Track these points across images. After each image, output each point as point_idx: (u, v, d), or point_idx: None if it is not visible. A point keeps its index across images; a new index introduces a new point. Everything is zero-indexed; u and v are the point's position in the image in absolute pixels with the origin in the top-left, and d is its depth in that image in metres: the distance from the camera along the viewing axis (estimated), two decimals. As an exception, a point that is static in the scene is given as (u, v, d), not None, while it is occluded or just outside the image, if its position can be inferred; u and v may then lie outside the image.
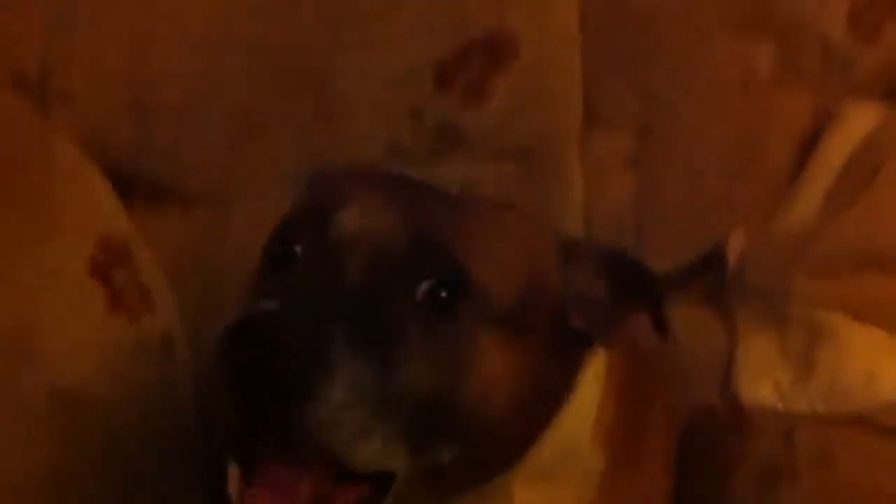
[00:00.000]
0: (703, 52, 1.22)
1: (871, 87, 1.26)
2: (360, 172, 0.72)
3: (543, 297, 0.67)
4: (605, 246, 0.70)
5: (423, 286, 0.62)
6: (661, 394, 0.90)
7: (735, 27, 1.20)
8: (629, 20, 1.19)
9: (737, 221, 1.22)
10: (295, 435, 0.56)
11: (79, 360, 0.90)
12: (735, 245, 1.17)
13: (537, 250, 0.68)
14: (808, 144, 1.25)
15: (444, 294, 0.62)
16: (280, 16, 1.07)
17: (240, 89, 1.10)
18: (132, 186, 1.09)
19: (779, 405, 1.02)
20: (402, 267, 0.62)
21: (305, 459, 0.59)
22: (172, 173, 1.11)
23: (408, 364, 0.60)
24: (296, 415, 0.55)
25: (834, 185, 1.15)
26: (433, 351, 0.61)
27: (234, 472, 0.62)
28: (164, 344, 1.01)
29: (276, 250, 0.66)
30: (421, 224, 0.64)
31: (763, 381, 1.04)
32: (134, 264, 1.02)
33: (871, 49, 1.24)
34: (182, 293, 1.10)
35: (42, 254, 0.94)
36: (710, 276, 1.15)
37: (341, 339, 0.56)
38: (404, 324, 0.61)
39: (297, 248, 0.65)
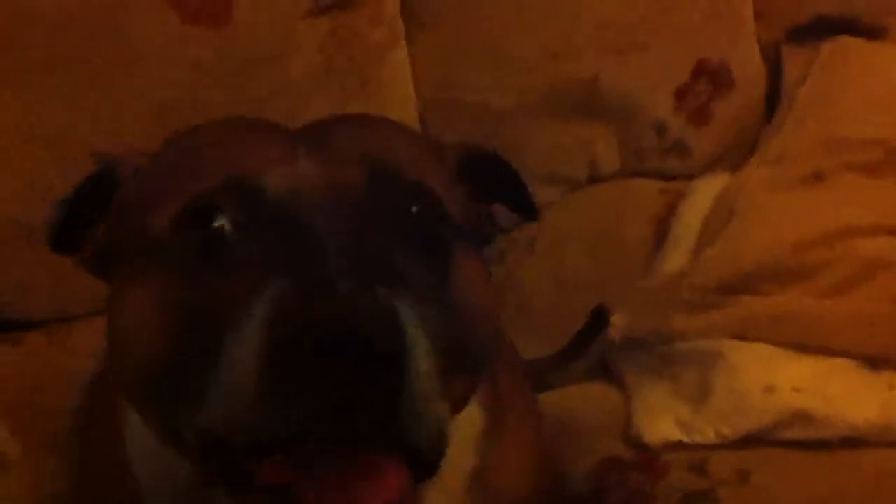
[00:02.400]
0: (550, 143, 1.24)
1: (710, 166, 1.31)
2: (229, 131, 0.60)
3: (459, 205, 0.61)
4: (458, 148, 0.65)
5: (409, 215, 0.55)
6: (511, 349, 0.86)
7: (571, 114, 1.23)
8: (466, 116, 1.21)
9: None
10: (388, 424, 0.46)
11: None
12: (617, 322, 1.12)
13: (436, 157, 0.63)
14: (662, 223, 1.26)
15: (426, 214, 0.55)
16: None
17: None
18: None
19: (684, 439, 0.94)
20: (374, 198, 0.54)
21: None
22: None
23: (458, 297, 0.54)
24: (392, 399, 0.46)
25: (695, 241, 1.16)
26: (443, 280, 0.54)
27: None
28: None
29: (191, 238, 0.52)
30: (365, 156, 0.55)
31: (663, 418, 0.97)
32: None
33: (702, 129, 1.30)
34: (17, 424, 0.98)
35: None
36: (594, 341, 1.10)
37: (404, 306, 0.47)
38: (414, 261, 0.53)
39: (223, 224, 0.52)
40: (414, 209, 0.54)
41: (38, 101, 0.98)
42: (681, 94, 1.27)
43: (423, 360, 0.47)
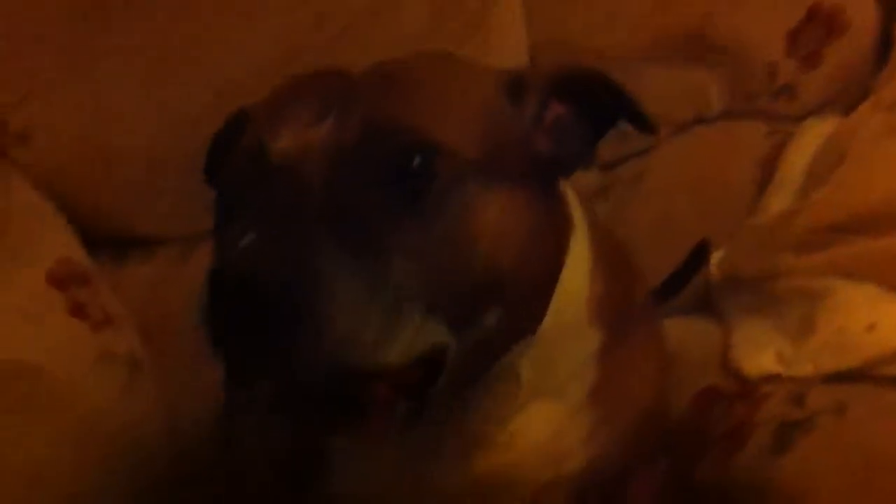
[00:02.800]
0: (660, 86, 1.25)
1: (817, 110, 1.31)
2: (278, 91, 0.67)
3: (505, 137, 0.64)
4: (554, 69, 0.67)
5: (391, 166, 0.59)
6: (641, 275, 0.86)
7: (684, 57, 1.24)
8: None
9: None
10: (309, 367, 0.53)
11: (36, 348, 0.84)
12: (715, 260, 1.15)
13: (484, 93, 0.65)
14: (768, 165, 1.27)
15: (415, 164, 0.59)
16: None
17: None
18: (88, 233, 1.06)
19: (784, 372, 0.97)
20: (362, 156, 0.59)
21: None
22: (132, 217, 1.10)
23: (402, 247, 0.57)
24: (309, 346, 0.53)
25: (802, 182, 1.16)
26: (424, 225, 0.58)
27: None
28: (129, 361, 0.96)
29: (226, 200, 0.63)
30: (365, 111, 0.61)
31: (764, 352, 0.99)
32: (94, 288, 0.98)
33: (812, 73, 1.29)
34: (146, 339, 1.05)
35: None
36: (695, 277, 1.12)
37: (328, 250, 0.54)
38: (386, 208, 0.58)
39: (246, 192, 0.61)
40: (396, 162, 0.59)
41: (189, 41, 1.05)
42: (792, 37, 1.26)
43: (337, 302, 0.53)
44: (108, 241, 1.09)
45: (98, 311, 0.96)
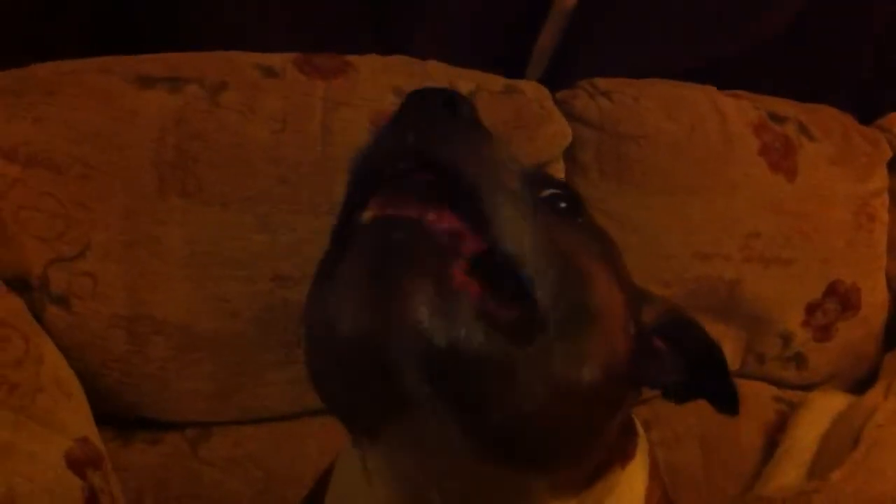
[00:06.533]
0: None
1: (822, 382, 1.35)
2: None
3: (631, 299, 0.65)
4: (667, 302, 0.69)
5: (546, 191, 0.61)
6: None
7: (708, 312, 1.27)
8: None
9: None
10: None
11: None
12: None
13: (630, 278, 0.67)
14: (774, 429, 1.30)
15: (563, 205, 0.62)
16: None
17: (244, 326, 1.08)
18: (102, 413, 1.03)
19: None
20: (524, 174, 0.59)
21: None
22: (155, 397, 1.06)
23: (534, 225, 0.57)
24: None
25: (813, 457, 1.18)
26: (559, 237, 0.58)
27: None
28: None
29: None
30: None
31: None
32: (105, 471, 0.94)
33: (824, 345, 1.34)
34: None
35: (23, 439, 0.86)
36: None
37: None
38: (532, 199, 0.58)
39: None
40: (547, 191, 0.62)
41: (240, 228, 1.05)
42: (811, 309, 1.31)
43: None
44: (114, 418, 1.05)
45: (108, 501, 0.91)
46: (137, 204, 1.02)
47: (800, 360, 1.34)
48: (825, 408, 1.25)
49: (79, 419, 0.96)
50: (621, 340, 0.61)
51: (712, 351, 0.67)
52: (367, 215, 0.55)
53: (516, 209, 0.55)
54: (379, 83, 1.11)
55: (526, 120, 1.19)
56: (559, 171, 1.21)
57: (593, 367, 0.58)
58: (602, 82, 1.24)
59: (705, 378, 0.67)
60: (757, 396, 1.33)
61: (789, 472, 1.19)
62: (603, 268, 0.61)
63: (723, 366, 0.67)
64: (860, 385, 1.35)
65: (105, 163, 1.01)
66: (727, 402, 0.67)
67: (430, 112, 0.57)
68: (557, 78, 1.28)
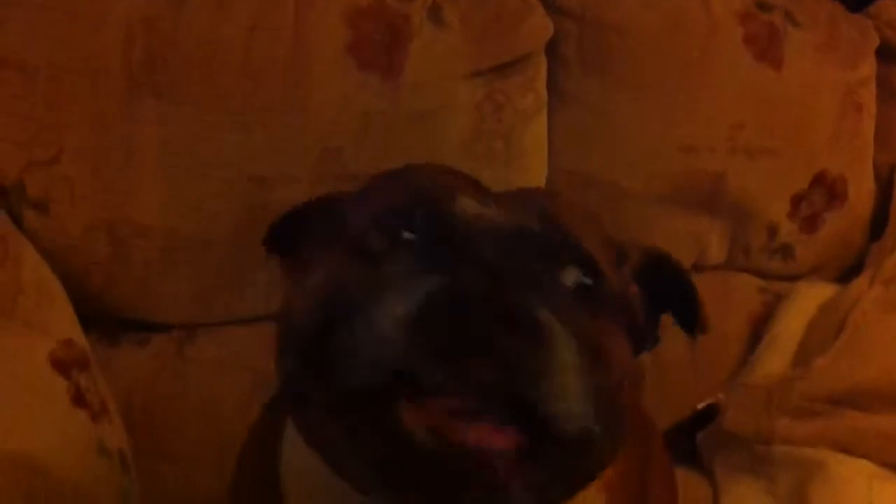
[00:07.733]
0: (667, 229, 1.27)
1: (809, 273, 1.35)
2: (436, 171, 0.64)
3: (620, 288, 0.63)
4: (644, 251, 0.68)
5: (569, 273, 0.57)
6: (658, 442, 0.85)
7: (694, 206, 1.27)
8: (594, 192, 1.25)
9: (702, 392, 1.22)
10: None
11: (41, 440, 0.80)
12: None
13: (611, 240, 0.65)
14: (759, 323, 1.30)
15: (587, 281, 0.58)
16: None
17: (224, 227, 1.07)
18: (88, 316, 1.03)
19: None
20: (541, 250, 0.56)
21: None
22: (139, 299, 1.06)
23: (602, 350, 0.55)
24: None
25: (798, 345, 1.19)
26: (586, 337, 0.55)
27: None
28: (121, 458, 0.92)
29: (375, 239, 0.57)
30: (542, 210, 0.59)
31: (757, 518, 1.00)
32: (92, 372, 0.95)
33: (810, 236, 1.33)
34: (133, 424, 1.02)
35: (2, 339, 0.86)
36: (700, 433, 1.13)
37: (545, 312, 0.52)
38: (560, 306, 0.55)
39: (407, 235, 0.56)
40: (570, 273, 0.57)
41: (214, 128, 1.04)
42: (797, 201, 1.31)
43: (565, 351, 0.51)
44: (101, 320, 1.06)
45: (96, 400, 0.92)
46: (109, 105, 1.01)
47: (786, 252, 1.34)
48: (811, 297, 1.25)
49: (62, 321, 0.97)
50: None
51: (687, 288, 0.68)
52: (409, 419, 0.50)
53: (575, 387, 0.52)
54: (353, -23, 1.09)
55: (507, 14, 1.16)
56: (541, 65, 1.19)
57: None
58: (583, -30, 1.21)
59: (679, 311, 0.68)
60: (743, 288, 1.33)
61: (775, 360, 1.19)
62: (623, 342, 0.60)
63: (697, 303, 0.67)
64: (846, 275, 1.35)
65: (73, 63, 1.00)
66: (693, 322, 0.68)
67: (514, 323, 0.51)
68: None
